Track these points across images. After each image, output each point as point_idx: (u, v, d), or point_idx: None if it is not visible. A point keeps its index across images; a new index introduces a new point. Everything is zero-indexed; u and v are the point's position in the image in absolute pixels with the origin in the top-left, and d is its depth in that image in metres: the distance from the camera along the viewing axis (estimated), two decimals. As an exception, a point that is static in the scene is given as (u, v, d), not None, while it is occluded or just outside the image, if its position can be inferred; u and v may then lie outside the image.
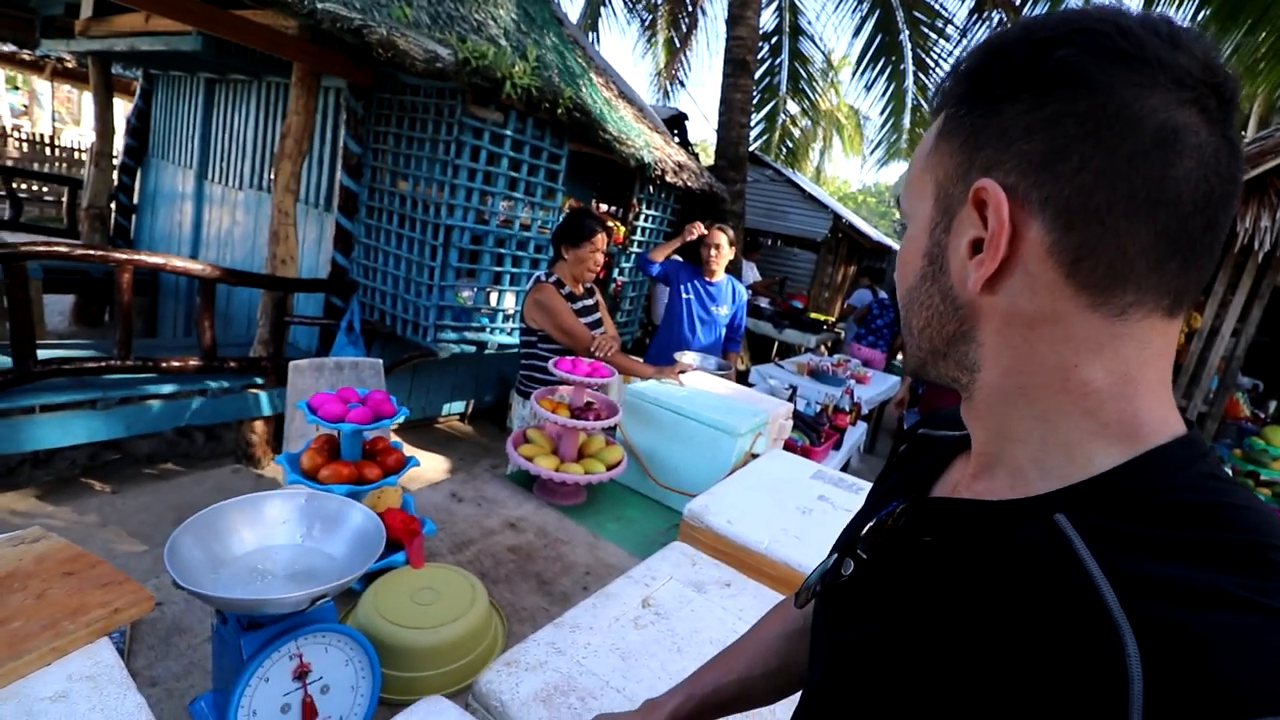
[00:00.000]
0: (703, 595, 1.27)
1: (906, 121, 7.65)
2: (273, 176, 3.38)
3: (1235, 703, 0.26)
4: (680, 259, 3.24)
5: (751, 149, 7.20)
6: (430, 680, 1.12)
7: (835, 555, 0.54)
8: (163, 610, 1.19)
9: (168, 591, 1.23)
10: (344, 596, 1.27)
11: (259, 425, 3.47)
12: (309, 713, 0.94)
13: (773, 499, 1.64)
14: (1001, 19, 5.93)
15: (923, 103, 7.30)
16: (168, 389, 3.00)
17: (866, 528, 0.50)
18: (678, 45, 8.48)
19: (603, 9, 7.90)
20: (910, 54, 6.95)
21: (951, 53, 6.57)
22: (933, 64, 6.90)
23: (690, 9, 8.11)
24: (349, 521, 1.02)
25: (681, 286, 3.15)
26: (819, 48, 7.31)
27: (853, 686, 0.45)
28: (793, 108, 7.88)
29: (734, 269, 4.02)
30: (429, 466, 3.54)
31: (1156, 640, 0.29)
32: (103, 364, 2.66)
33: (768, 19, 7.42)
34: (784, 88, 7.65)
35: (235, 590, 0.87)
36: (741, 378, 3.87)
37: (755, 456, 1.96)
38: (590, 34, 8.03)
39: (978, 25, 6.10)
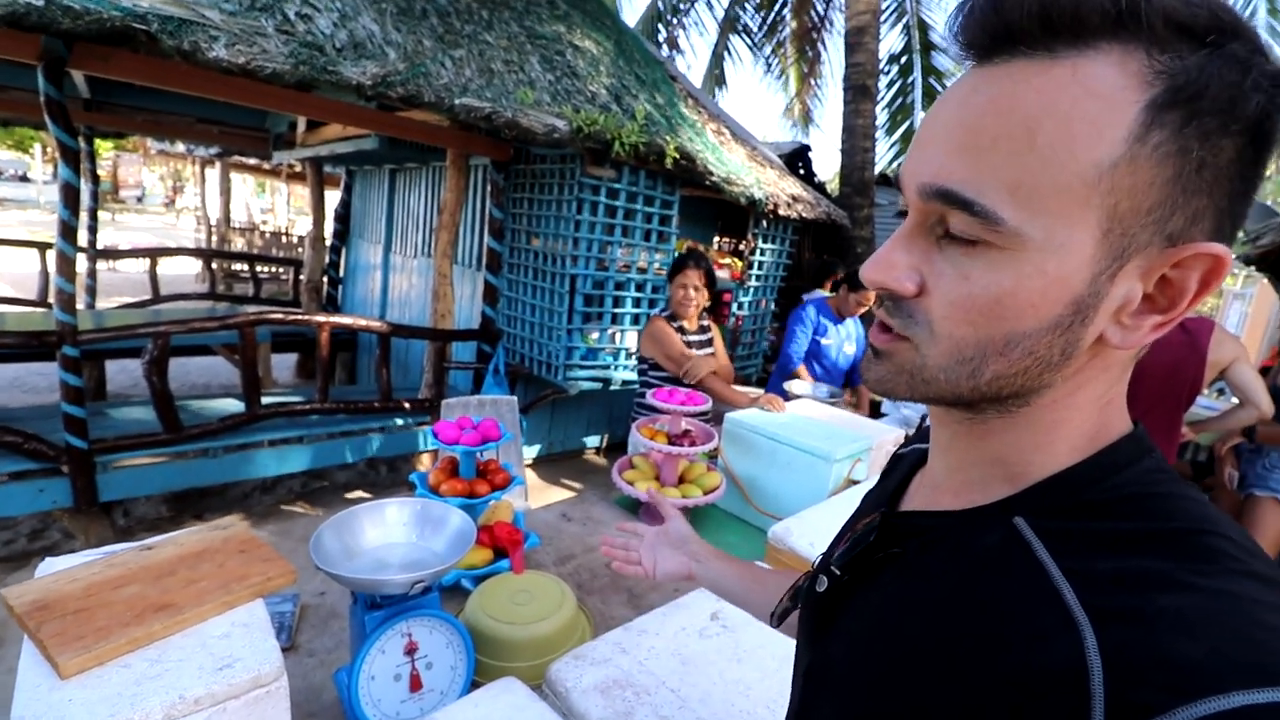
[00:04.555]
0: (774, 613, 1.30)
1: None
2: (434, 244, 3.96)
3: (1185, 680, 0.27)
4: (824, 295, 3.33)
5: (888, 171, 6.96)
6: (519, 671, 1.27)
7: (811, 573, 0.55)
8: (324, 598, 1.48)
9: (331, 582, 1.53)
10: (458, 594, 1.48)
11: (426, 457, 3.99)
12: (415, 683, 1.14)
13: (865, 524, 1.61)
14: None
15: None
16: (356, 427, 3.58)
17: (840, 544, 0.51)
18: (803, 80, 8.54)
19: (726, 56, 8.21)
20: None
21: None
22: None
23: (813, 40, 8.15)
24: (449, 524, 1.23)
25: (812, 329, 3.22)
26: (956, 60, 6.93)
27: (828, 706, 0.45)
28: (930, 125, 7.44)
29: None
30: (562, 495, 3.81)
31: (1111, 629, 0.30)
32: (307, 406, 3.27)
33: (894, 41, 7.25)
34: (919, 106, 7.34)
35: (356, 572, 1.09)
36: (875, 409, 3.73)
37: (856, 483, 1.93)
38: (717, 85, 8.34)
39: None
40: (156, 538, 0.99)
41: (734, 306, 4.18)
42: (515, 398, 2.95)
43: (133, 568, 0.89)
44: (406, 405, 3.64)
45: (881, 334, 0.40)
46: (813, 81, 8.59)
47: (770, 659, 1.18)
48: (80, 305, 2.62)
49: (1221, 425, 2.55)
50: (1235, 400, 2.54)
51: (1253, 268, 4.02)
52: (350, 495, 3.90)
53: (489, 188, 3.75)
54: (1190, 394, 2.29)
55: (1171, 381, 2.26)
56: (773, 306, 4.49)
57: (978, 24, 0.35)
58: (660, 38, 8.03)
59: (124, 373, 5.43)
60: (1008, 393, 0.37)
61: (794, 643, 0.77)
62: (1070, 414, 0.38)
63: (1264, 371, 2.98)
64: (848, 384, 3.37)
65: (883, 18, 5.82)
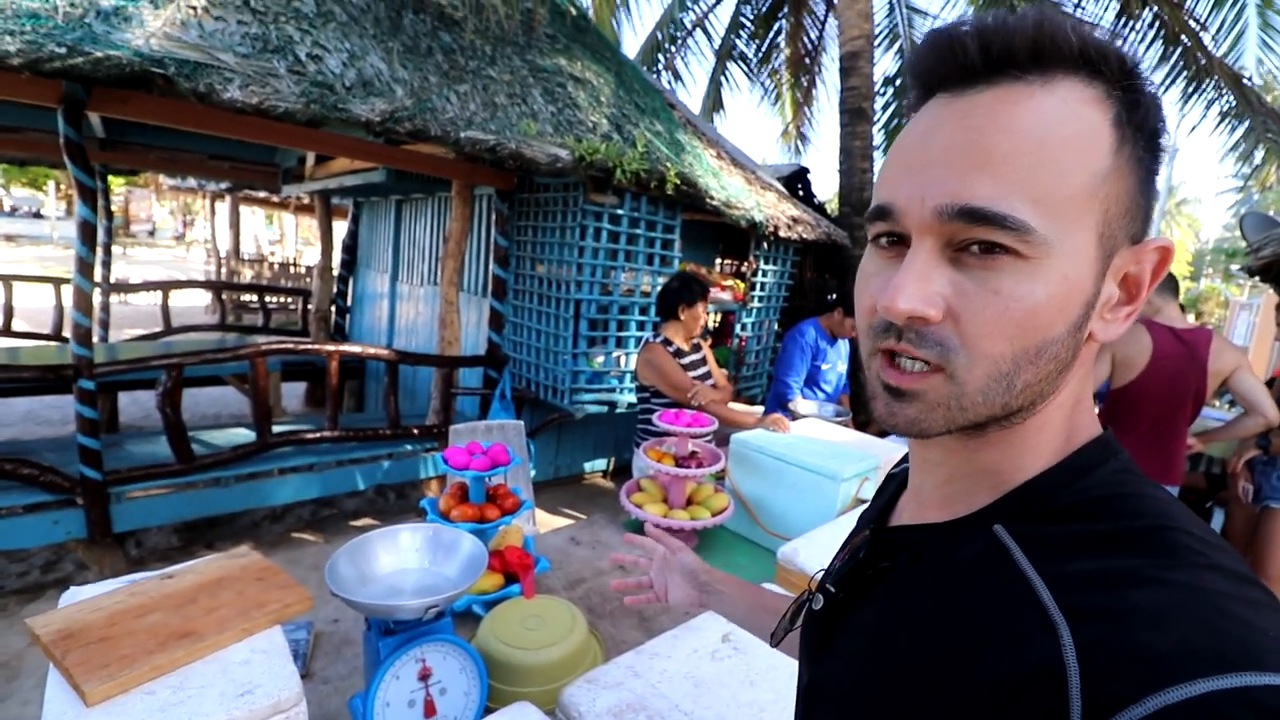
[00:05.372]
0: (784, 633, 1.30)
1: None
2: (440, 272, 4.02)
3: (1154, 671, 0.28)
4: (818, 322, 3.22)
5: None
6: (532, 696, 1.27)
7: (808, 592, 0.56)
8: (338, 625, 1.49)
9: (345, 610, 1.54)
10: (469, 620, 1.49)
11: (434, 483, 4.00)
12: (429, 709, 1.14)
13: (873, 543, 1.62)
14: (1157, 12, 5.34)
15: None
16: (365, 454, 3.60)
17: (834, 562, 0.53)
18: (799, 106, 8.69)
19: (724, 82, 8.37)
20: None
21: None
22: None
23: (809, 66, 8.31)
24: (461, 549, 1.24)
25: (811, 354, 3.21)
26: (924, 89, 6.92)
27: None
28: (927, 145, 7.51)
29: None
30: (570, 519, 3.81)
31: (1085, 626, 0.31)
32: (317, 435, 3.30)
33: (889, 64, 7.38)
34: (914, 126, 7.43)
35: (371, 598, 1.10)
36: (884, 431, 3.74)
37: (864, 502, 1.93)
38: (715, 112, 8.49)
39: (1127, 26, 5.55)
40: (177, 566, 1.01)
41: (738, 327, 4.21)
42: (522, 422, 2.97)
43: (155, 596, 0.91)
44: (415, 432, 3.67)
45: (902, 374, 0.39)
46: (807, 108, 8.74)
47: (782, 680, 1.18)
48: (93, 338, 2.69)
49: (1229, 434, 2.55)
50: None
51: (1257, 279, 4.03)
52: (358, 523, 3.91)
53: (494, 216, 3.82)
54: (1195, 405, 2.29)
55: (1173, 394, 2.26)
56: (775, 327, 4.52)
57: (975, 49, 0.37)
58: (659, 66, 8.21)
59: (136, 404, 5.49)
60: (1029, 401, 0.38)
61: None
62: (1054, 414, 0.41)
63: (1271, 383, 2.98)
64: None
65: (876, 42, 5.95)
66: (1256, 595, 0.32)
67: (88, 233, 2.48)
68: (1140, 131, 0.37)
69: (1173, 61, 5.59)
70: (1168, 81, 5.63)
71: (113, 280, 5.68)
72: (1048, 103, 0.35)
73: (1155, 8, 5.43)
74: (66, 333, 5.33)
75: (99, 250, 5.10)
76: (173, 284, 6.33)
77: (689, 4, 7.85)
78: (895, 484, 0.56)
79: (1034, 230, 0.34)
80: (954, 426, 0.39)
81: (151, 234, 26.43)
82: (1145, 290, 0.40)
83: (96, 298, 5.04)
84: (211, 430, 3.63)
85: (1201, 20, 5.44)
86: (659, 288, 3.64)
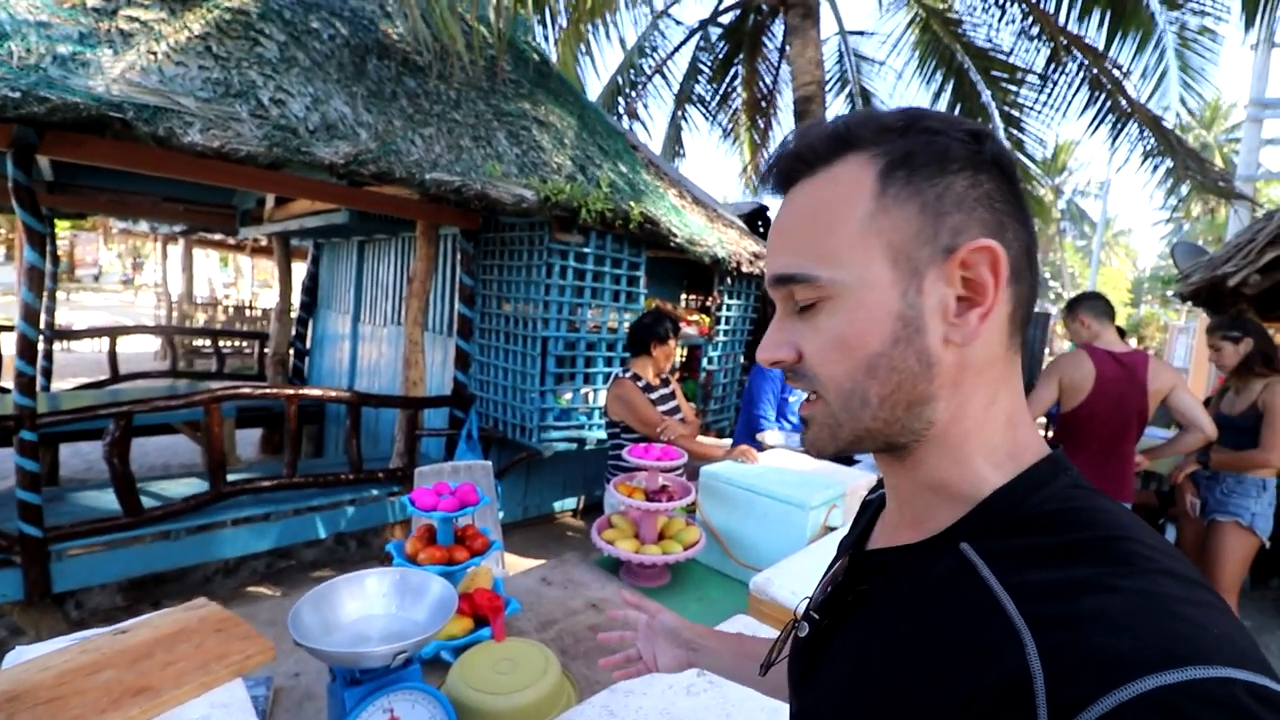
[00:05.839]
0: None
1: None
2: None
3: (1109, 672, 0.30)
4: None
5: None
6: (505, 742, 1.24)
7: (794, 621, 0.57)
8: (299, 680, 1.43)
9: (306, 663, 1.47)
10: (438, 667, 1.44)
11: (398, 529, 3.88)
12: (398, 762, 1.10)
13: (843, 570, 1.63)
14: (1082, 62, 5.78)
15: (1020, 156, 7.10)
16: (325, 501, 3.49)
17: (817, 590, 0.54)
18: (756, 148, 9.03)
19: (683, 125, 8.66)
20: (996, 111, 6.91)
21: (1039, 100, 6.49)
22: (1019, 115, 6.80)
23: (765, 109, 8.67)
24: (430, 592, 1.21)
25: (780, 385, 3.25)
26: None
27: None
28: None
29: None
30: (540, 559, 3.73)
31: (1047, 634, 0.33)
32: (274, 482, 3.19)
33: (840, 107, 7.77)
34: (866, 166, 7.76)
35: (336, 646, 1.07)
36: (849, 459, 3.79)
37: (833, 529, 1.96)
38: (676, 153, 8.76)
39: (1057, 72, 5.98)
40: (131, 620, 0.97)
41: (704, 361, 4.27)
42: (490, 463, 2.94)
43: (107, 652, 0.87)
44: (380, 475, 3.58)
45: (803, 404, 0.49)
46: (764, 149, 9.07)
47: (759, 712, 1.17)
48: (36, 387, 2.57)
49: (1172, 450, 2.68)
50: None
51: (1190, 303, 4.29)
52: (318, 574, 3.76)
53: (459, 256, 3.83)
54: (1139, 425, 2.41)
55: (1118, 414, 2.38)
56: (741, 360, 4.60)
57: (772, 174, 0.50)
58: (621, 110, 8.45)
59: (77, 456, 5.22)
60: (901, 411, 0.44)
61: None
62: (971, 425, 0.44)
63: (1208, 401, 3.15)
64: None
65: (828, 87, 6.25)
66: (1206, 598, 0.34)
67: (35, 278, 2.41)
68: (913, 168, 0.43)
69: (1099, 106, 6.03)
70: (1096, 123, 6.06)
71: (56, 327, 5.45)
72: (819, 183, 0.46)
73: (1080, 57, 5.85)
74: (4, 382, 5.07)
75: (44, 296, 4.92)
76: (120, 329, 6.11)
77: (648, 50, 8.14)
78: (871, 510, 0.59)
79: (820, 277, 0.44)
80: (840, 443, 0.46)
81: (97, 278, 25.50)
82: (991, 289, 0.43)
83: (39, 345, 4.83)
84: (161, 481, 3.47)
85: (1124, 68, 5.89)
86: (626, 324, 3.69)
